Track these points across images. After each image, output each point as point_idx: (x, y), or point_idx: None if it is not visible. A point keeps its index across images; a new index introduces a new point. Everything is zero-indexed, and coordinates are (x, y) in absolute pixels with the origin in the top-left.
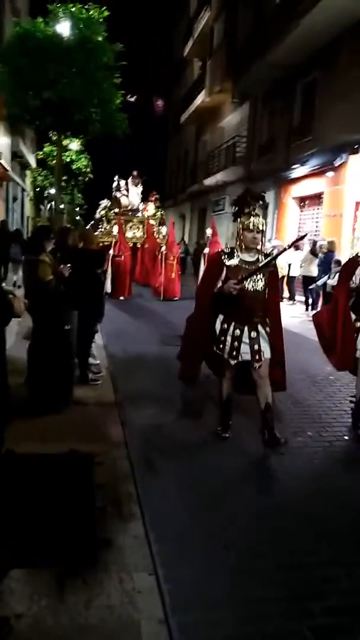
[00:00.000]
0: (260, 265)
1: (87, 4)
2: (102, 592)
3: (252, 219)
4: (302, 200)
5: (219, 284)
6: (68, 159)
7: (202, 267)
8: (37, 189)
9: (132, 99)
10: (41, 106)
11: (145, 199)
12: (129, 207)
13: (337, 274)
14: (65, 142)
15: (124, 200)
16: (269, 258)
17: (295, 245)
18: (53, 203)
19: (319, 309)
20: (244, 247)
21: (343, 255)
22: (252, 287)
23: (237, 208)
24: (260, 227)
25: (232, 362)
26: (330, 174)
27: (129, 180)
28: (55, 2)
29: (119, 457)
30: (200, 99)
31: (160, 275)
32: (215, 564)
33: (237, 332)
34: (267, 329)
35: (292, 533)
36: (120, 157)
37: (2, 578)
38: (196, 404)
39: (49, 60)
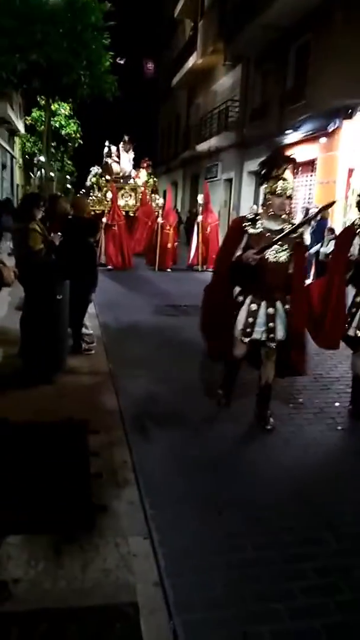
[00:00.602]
0: (282, 233)
1: None
2: (98, 556)
3: (280, 182)
4: (295, 167)
5: (238, 252)
6: (57, 124)
7: (195, 236)
8: (27, 156)
9: (122, 61)
10: (28, 69)
11: (137, 165)
12: (121, 174)
13: (331, 242)
14: (53, 107)
15: (115, 167)
16: (292, 226)
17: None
18: (43, 170)
19: (311, 278)
20: (270, 213)
21: (335, 223)
22: (274, 258)
23: (265, 170)
24: (289, 193)
25: (245, 339)
26: (323, 139)
27: (120, 146)
28: None
29: (113, 425)
30: (191, 61)
31: (156, 244)
32: (209, 529)
33: (254, 306)
34: (287, 306)
35: (285, 498)
36: (110, 122)
37: (0, 544)
38: (191, 372)
39: (35, 21)
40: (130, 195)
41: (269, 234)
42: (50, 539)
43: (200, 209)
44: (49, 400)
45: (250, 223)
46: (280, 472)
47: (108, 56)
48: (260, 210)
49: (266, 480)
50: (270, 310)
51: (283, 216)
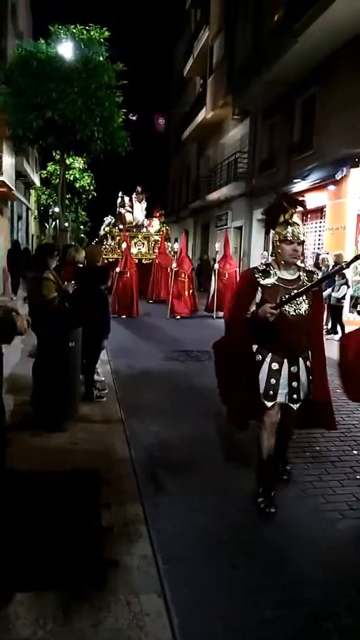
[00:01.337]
0: (308, 284)
1: (88, 25)
2: (109, 615)
3: (290, 228)
4: (304, 215)
5: (253, 308)
6: (71, 178)
7: (214, 284)
8: (42, 208)
9: (134, 118)
10: (44, 126)
11: (149, 214)
12: (134, 223)
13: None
14: (68, 161)
15: (128, 217)
16: (321, 276)
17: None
18: (57, 221)
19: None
20: (282, 262)
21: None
22: (294, 311)
23: (271, 217)
24: (302, 238)
25: (269, 403)
26: (331, 187)
27: (133, 196)
28: (57, 24)
29: (125, 475)
30: (201, 116)
31: (169, 292)
32: (224, 585)
33: (275, 365)
34: (308, 363)
35: (303, 551)
36: (123, 175)
37: (7, 602)
38: (203, 419)
39: (51, 80)
40: (143, 244)
41: (284, 285)
42: (59, 597)
43: (218, 256)
44: (60, 449)
45: (262, 274)
46: (296, 524)
47: (121, 113)
48: (271, 260)
49: (282, 532)
50: (293, 368)
51: (297, 263)
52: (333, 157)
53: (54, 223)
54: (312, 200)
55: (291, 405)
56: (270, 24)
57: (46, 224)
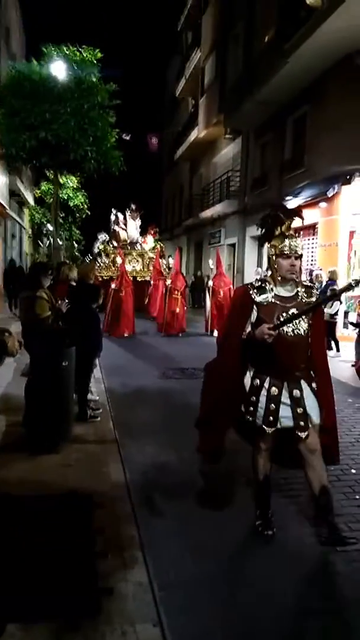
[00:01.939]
0: (308, 301)
1: (80, 46)
2: None
3: (287, 241)
4: (297, 231)
5: (248, 328)
6: (65, 196)
7: (208, 301)
8: (36, 226)
9: (127, 137)
10: (37, 146)
11: (144, 232)
12: (128, 241)
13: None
14: (61, 180)
15: (122, 234)
16: (328, 295)
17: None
18: (51, 239)
19: None
20: (279, 278)
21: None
22: (293, 331)
23: (266, 229)
24: (299, 251)
25: (269, 430)
26: (323, 204)
27: (127, 213)
28: (50, 44)
29: (119, 497)
30: (193, 135)
31: (162, 310)
32: (222, 613)
33: (274, 390)
34: (314, 384)
35: (305, 576)
36: (116, 193)
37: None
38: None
39: (44, 101)
40: (138, 261)
41: (281, 302)
42: (52, 628)
43: (212, 274)
44: (53, 471)
45: (257, 291)
46: (298, 548)
47: (114, 133)
48: (266, 275)
49: (282, 557)
50: (296, 392)
51: (294, 279)
52: (324, 174)
53: (47, 241)
54: (305, 217)
55: (298, 433)
56: (261, 44)
57: (40, 243)
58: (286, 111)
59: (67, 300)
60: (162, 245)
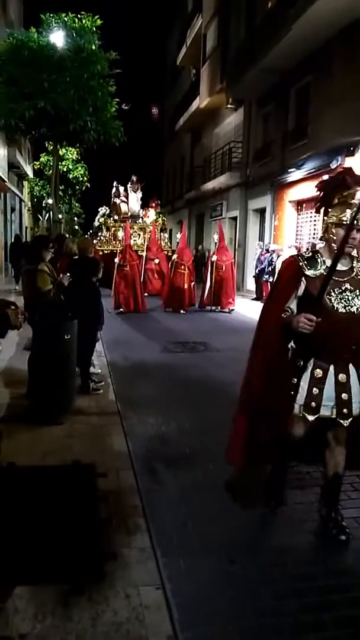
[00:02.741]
0: None
1: (79, 13)
2: (108, 609)
3: (348, 211)
4: (299, 204)
5: (293, 304)
6: (65, 169)
7: (209, 276)
8: (35, 199)
9: (127, 107)
10: (36, 116)
11: (145, 205)
12: (129, 214)
13: None
14: (61, 152)
15: (123, 207)
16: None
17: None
18: (51, 213)
19: None
20: (335, 250)
21: None
22: (345, 308)
23: (325, 193)
24: None
25: (311, 417)
26: (326, 176)
27: (128, 186)
28: (48, 12)
29: (122, 467)
30: (194, 105)
31: (166, 285)
32: (223, 577)
33: (319, 372)
34: None
35: (299, 544)
36: (116, 165)
37: (6, 596)
38: (200, 410)
39: (43, 70)
40: (139, 235)
41: (334, 276)
42: (58, 590)
43: (214, 247)
44: (56, 442)
45: (307, 263)
46: (300, 516)
47: (114, 103)
48: (320, 246)
49: (281, 524)
50: (342, 376)
51: (351, 253)
52: (328, 146)
53: (47, 215)
54: (307, 190)
55: (340, 420)
56: (265, 10)
57: (40, 216)
58: (289, 81)
59: (68, 274)
60: (164, 219)
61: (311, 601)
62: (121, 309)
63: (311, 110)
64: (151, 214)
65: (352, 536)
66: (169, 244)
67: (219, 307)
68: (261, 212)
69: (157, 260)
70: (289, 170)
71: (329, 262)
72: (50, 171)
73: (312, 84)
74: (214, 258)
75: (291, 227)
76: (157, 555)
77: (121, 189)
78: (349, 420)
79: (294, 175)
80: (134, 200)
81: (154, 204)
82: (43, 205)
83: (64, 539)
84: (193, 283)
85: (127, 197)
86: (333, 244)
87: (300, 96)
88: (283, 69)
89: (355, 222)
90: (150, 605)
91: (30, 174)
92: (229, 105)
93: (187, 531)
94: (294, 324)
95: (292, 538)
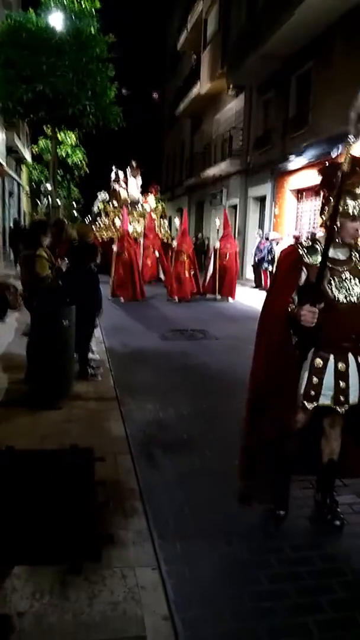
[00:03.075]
0: None
1: None
2: (105, 589)
3: (351, 201)
4: (300, 192)
5: (295, 296)
6: (63, 153)
7: (212, 264)
8: (33, 184)
9: (127, 92)
10: (34, 99)
11: (145, 191)
12: (129, 200)
13: None
14: (60, 136)
15: (122, 193)
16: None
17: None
18: (49, 198)
19: None
20: (337, 239)
21: None
22: (345, 297)
23: (328, 180)
24: None
25: (310, 405)
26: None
27: (128, 171)
28: None
29: (120, 452)
30: (195, 91)
31: (167, 274)
32: (219, 560)
33: (318, 362)
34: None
35: (295, 529)
36: (116, 151)
37: (5, 576)
38: (198, 396)
39: (41, 52)
40: (139, 221)
41: (334, 265)
42: (55, 571)
43: (218, 235)
44: (55, 427)
45: (307, 251)
46: (295, 503)
47: (113, 87)
48: (320, 235)
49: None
50: (341, 365)
51: (353, 242)
52: (329, 133)
53: (45, 200)
54: (308, 178)
55: (337, 407)
56: None
57: (38, 201)
58: (290, 67)
59: (67, 260)
60: (163, 205)
61: (307, 584)
62: (120, 298)
63: (312, 97)
64: (151, 200)
65: (347, 522)
66: (168, 231)
67: (220, 296)
68: (261, 200)
69: (157, 254)
70: (290, 158)
71: (330, 252)
72: (49, 156)
73: (314, 70)
74: (217, 245)
75: (291, 215)
76: (153, 537)
77: (120, 174)
78: (345, 407)
79: (295, 163)
80: (134, 186)
81: (153, 190)
82: (41, 190)
83: (62, 521)
84: (193, 271)
85: (126, 182)
86: (332, 234)
87: (301, 83)
88: (284, 55)
89: (355, 211)
90: (146, 586)
91: (29, 158)
92: (230, 92)
93: (183, 515)
94: (299, 318)
95: (289, 523)
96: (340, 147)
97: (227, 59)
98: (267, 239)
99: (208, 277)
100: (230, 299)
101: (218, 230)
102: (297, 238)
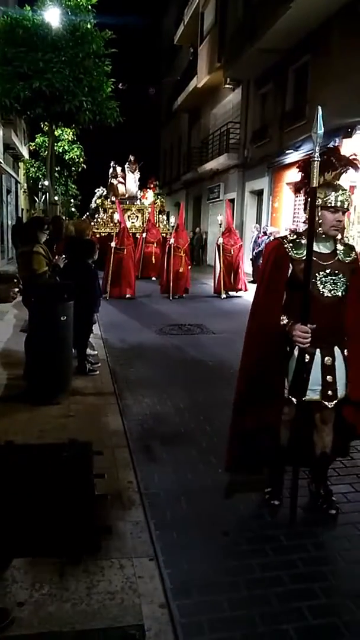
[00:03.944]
0: (346, 260)
1: None
2: (103, 578)
3: (333, 193)
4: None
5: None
6: (60, 150)
7: (217, 260)
8: (31, 181)
9: (123, 87)
10: (31, 96)
11: (143, 186)
12: (127, 195)
13: None
14: (57, 132)
15: (120, 188)
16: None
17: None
18: (47, 194)
19: None
20: (320, 232)
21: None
22: (330, 292)
23: (305, 174)
24: (346, 205)
25: (294, 399)
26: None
27: (126, 166)
28: None
29: (118, 445)
30: (192, 85)
31: (163, 269)
32: (215, 549)
33: (306, 357)
34: (346, 352)
35: (293, 524)
36: (113, 146)
37: (5, 567)
38: (196, 391)
39: (37, 49)
40: (137, 217)
41: (318, 259)
42: (54, 562)
43: (219, 230)
44: (53, 421)
45: (292, 245)
46: (288, 491)
47: (110, 83)
48: (303, 229)
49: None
50: (328, 359)
51: (336, 236)
52: (326, 127)
53: (43, 197)
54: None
55: (325, 402)
56: None
57: (36, 198)
58: (287, 60)
59: (64, 256)
60: (162, 200)
61: (302, 572)
62: (115, 295)
63: (309, 90)
64: (149, 195)
65: (341, 510)
66: (167, 226)
67: (233, 291)
68: (258, 194)
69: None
70: (287, 151)
71: (314, 246)
72: (46, 152)
73: (311, 63)
74: (220, 241)
75: (289, 209)
76: (150, 528)
77: (118, 169)
78: (334, 402)
79: (292, 157)
80: (132, 181)
81: (152, 185)
82: (39, 187)
83: (62, 514)
84: (189, 267)
85: (124, 177)
86: (319, 228)
87: (298, 76)
88: (281, 48)
89: (340, 204)
90: (143, 576)
91: (26, 155)
92: (227, 85)
93: (180, 506)
94: (289, 331)
95: (284, 513)
96: (337, 141)
97: (225, 52)
98: (264, 233)
99: (217, 276)
100: (239, 290)
101: (220, 225)
102: (293, 232)
